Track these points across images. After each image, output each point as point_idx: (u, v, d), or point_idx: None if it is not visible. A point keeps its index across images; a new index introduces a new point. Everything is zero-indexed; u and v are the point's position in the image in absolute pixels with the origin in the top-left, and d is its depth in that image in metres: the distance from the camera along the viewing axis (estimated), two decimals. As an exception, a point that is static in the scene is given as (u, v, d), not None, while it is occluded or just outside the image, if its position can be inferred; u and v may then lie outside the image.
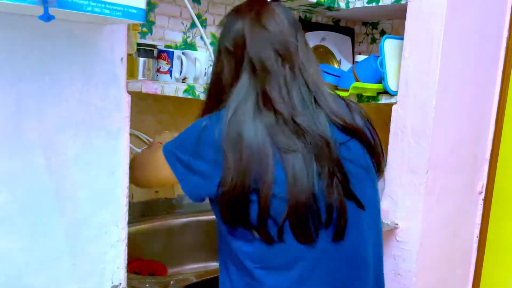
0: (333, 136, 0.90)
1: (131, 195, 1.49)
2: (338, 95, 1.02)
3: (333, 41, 1.89)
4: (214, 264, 1.63)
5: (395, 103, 1.51)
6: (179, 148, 0.92)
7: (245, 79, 0.89)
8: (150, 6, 1.43)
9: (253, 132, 0.85)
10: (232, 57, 0.92)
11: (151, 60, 1.31)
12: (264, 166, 0.84)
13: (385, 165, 1.03)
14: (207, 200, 0.96)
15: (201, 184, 0.90)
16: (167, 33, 1.50)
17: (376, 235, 1.03)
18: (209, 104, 0.98)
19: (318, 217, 0.88)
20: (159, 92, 1.21)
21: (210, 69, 1.43)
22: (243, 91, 0.88)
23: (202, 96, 1.29)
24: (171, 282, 1.10)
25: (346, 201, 0.91)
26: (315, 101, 0.90)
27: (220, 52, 0.95)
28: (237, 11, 0.94)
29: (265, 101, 0.87)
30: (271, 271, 0.90)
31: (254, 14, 0.90)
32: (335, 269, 0.93)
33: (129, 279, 0.98)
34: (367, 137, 0.98)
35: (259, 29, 0.89)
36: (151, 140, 1.51)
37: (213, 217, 1.64)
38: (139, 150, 1.43)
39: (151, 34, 1.45)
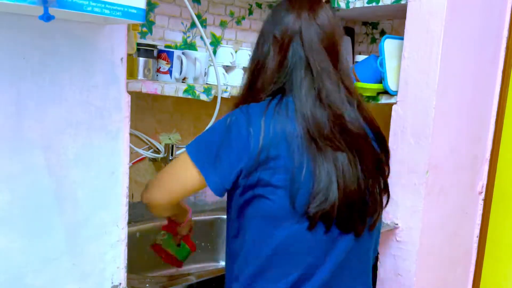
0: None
1: (131, 195, 1.49)
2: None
3: (333, 41, 1.89)
4: (214, 264, 1.63)
5: (395, 103, 1.51)
6: (204, 143, 0.93)
7: (300, 73, 0.92)
8: (150, 6, 1.43)
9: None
10: (277, 46, 0.94)
11: (151, 60, 1.31)
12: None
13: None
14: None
15: (228, 171, 0.90)
16: (167, 33, 1.50)
17: (377, 239, 1.07)
18: (250, 87, 0.99)
19: (364, 211, 0.94)
20: (159, 92, 1.21)
21: (211, 68, 1.43)
22: (304, 87, 0.92)
23: (202, 96, 1.29)
24: (171, 282, 1.10)
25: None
26: (357, 105, 0.95)
27: (265, 38, 0.97)
28: (290, 2, 0.97)
29: (322, 97, 0.91)
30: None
31: (309, 11, 0.94)
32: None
33: (129, 279, 0.98)
34: (387, 146, 1.03)
35: (314, 28, 0.93)
36: (151, 140, 1.52)
37: (213, 217, 1.66)
38: (139, 150, 1.43)
39: (151, 34, 1.45)
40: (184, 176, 0.95)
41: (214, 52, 1.58)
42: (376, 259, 1.57)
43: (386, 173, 1.02)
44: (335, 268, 0.93)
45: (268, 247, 0.91)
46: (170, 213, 1.20)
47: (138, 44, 1.28)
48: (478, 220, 1.80)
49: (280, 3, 0.99)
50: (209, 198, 1.72)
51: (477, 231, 1.81)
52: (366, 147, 0.94)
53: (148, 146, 1.52)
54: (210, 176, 0.91)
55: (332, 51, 0.94)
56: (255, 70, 0.98)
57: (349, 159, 0.91)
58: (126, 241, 0.94)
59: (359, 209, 0.93)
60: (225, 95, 1.35)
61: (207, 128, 0.97)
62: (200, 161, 0.92)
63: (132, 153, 1.20)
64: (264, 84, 0.96)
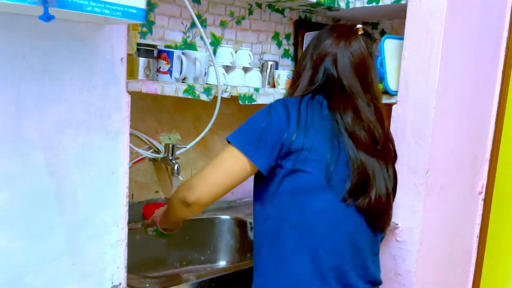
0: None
1: (131, 195, 1.49)
2: None
3: (333, 41, 1.89)
4: (214, 264, 1.63)
5: (395, 103, 1.51)
6: (246, 131, 1.02)
7: (334, 89, 1.06)
8: (150, 6, 1.43)
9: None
10: (311, 64, 1.11)
11: (151, 60, 1.31)
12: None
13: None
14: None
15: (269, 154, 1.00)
16: (167, 33, 1.50)
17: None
18: (291, 90, 1.15)
19: (385, 212, 1.09)
20: (159, 92, 1.21)
21: (211, 68, 1.43)
22: (339, 101, 1.05)
23: (202, 96, 1.29)
24: (171, 282, 1.10)
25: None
26: (382, 126, 1.10)
27: (306, 54, 1.14)
28: (332, 30, 1.12)
29: (357, 112, 1.05)
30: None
31: (346, 41, 1.08)
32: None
33: (129, 279, 0.98)
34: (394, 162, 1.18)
35: (347, 55, 1.08)
36: (151, 140, 1.52)
37: (213, 217, 1.66)
38: (139, 150, 1.43)
39: (151, 34, 1.45)
40: (230, 165, 1.01)
41: (214, 52, 1.58)
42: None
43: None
44: (354, 246, 1.04)
45: (303, 215, 1.00)
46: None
47: (138, 44, 1.28)
48: (478, 220, 1.80)
49: (325, 29, 1.14)
50: (209, 198, 1.72)
51: (477, 231, 1.81)
52: (390, 159, 1.11)
53: (148, 146, 1.52)
54: (255, 156, 0.99)
55: (362, 76, 1.08)
56: (295, 78, 1.14)
57: (380, 165, 1.05)
58: (126, 241, 0.94)
59: (383, 210, 1.07)
60: (225, 95, 1.35)
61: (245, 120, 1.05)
62: (244, 146, 0.99)
63: (132, 153, 1.20)
64: (299, 90, 1.11)
